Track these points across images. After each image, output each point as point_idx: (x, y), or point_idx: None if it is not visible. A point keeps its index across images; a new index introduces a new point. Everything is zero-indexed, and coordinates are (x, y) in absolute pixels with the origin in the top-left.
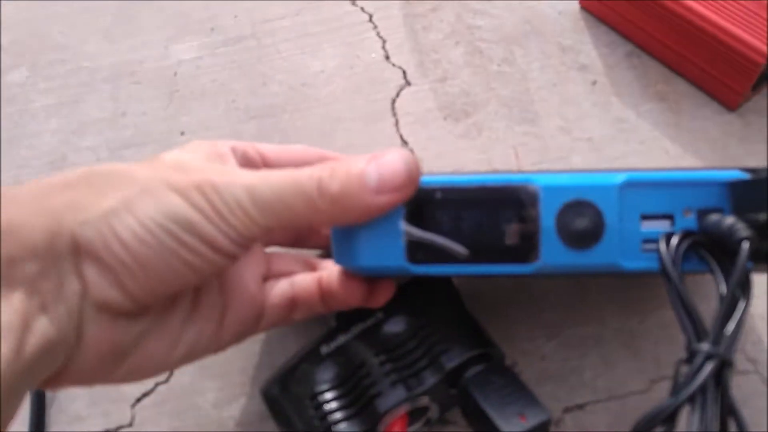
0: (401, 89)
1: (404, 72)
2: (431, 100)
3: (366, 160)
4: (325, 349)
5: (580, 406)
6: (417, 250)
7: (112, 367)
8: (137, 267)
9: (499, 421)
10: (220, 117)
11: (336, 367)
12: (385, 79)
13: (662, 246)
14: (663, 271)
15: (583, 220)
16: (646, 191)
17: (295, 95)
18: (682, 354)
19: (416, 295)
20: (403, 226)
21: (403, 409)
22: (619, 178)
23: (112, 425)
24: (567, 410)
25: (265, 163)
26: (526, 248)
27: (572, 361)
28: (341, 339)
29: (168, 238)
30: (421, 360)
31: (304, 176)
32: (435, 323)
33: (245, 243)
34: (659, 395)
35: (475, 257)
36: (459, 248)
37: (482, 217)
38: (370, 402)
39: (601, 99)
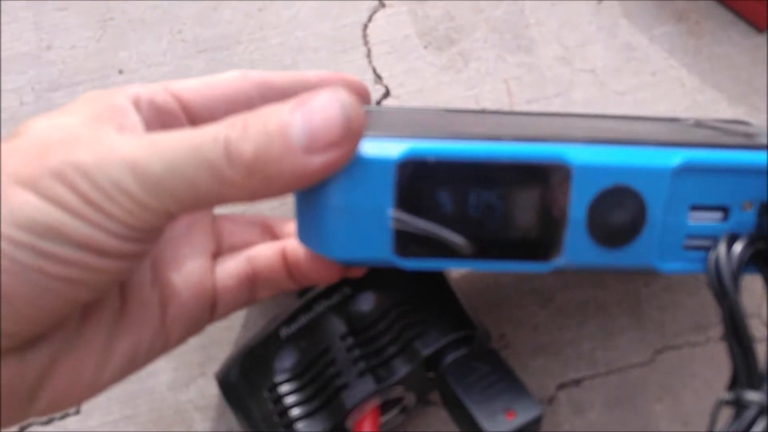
0: (374, 12)
1: None
2: (409, 25)
3: (289, 109)
4: (285, 332)
5: (577, 382)
6: (407, 241)
7: (26, 405)
8: None
9: (481, 418)
10: (164, 51)
11: (297, 354)
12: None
13: (722, 252)
14: (717, 287)
15: (621, 211)
16: (704, 177)
17: (251, 22)
18: (690, 321)
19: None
20: (393, 211)
21: (374, 403)
22: (675, 160)
23: (57, 413)
24: (561, 386)
25: (187, 113)
26: (546, 243)
27: (568, 331)
28: (302, 319)
29: (26, 254)
30: (393, 345)
31: (207, 138)
32: (408, 300)
33: (142, 236)
34: (663, 367)
35: (480, 252)
36: (461, 241)
37: (493, 201)
38: (336, 395)
39: (608, 21)
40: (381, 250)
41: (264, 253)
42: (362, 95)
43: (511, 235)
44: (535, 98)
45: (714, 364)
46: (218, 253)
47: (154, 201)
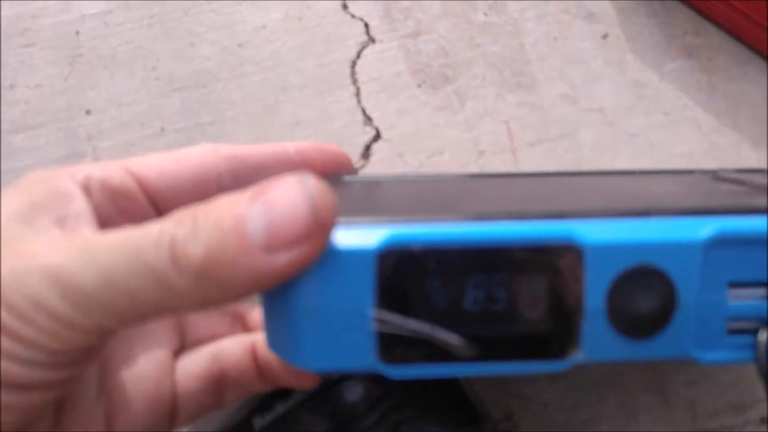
0: (363, 48)
1: (366, 25)
2: (401, 62)
3: (246, 200)
4: (259, 423)
5: None
6: (394, 345)
7: None
8: None
9: None
10: (137, 89)
11: None
12: (342, 34)
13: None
14: None
15: (647, 296)
16: (742, 248)
17: (231, 58)
18: (724, 400)
19: None
20: (374, 311)
21: None
22: (705, 231)
23: None
24: None
25: (148, 194)
26: (561, 338)
27: (584, 410)
28: (280, 409)
29: None
30: None
31: (149, 240)
32: (402, 388)
33: (70, 360)
34: None
35: (482, 353)
36: (459, 342)
37: (494, 292)
38: None
39: (615, 57)
40: (363, 358)
41: (231, 350)
42: (345, 167)
43: (518, 332)
44: (538, 140)
45: None
46: (181, 348)
47: (84, 318)
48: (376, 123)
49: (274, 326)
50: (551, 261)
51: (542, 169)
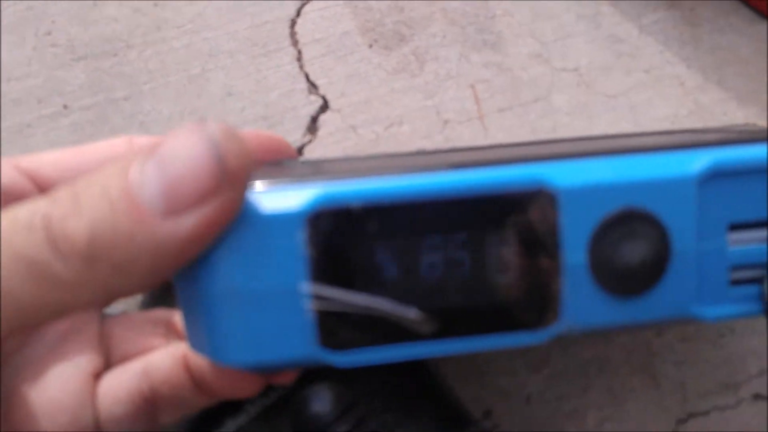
0: (303, 4)
1: None
2: (348, 20)
3: (137, 161)
4: None
5: None
6: (337, 327)
7: None
8: None
9: None
10: (30, 59)
11: None
12: None
13: None
14: None
15: (635, 246)
16: (740, 183)
17: (144, 20)
18: (715, 380)
19: None
20: (309, 286)
21: None
22: (698, 165)
23: None
24: None
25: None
26: (537, 304)
27: (568, 400)
28: (229, 425)
29: None
30: None
31: (18, 224)
32: (378, 394)
33: None
34: None
35: (444, 328)
36: (415, 316)
37: (454, 253)
38: None
39: (589, 9)
40: (300, 345)
41: (160, 363)
42: (286, 154)
43: (485, 300)
44: (508, 105)
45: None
46: (106, 367)
47: None
48: (322, 91)
49: (190, 318)
50: (519, 212)
51: (515, 137)
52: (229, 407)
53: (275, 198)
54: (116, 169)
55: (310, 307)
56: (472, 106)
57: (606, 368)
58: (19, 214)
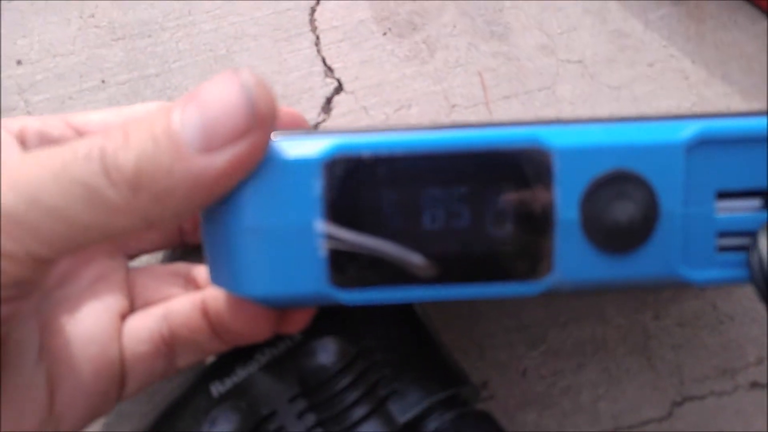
0: None
1: None
2: (365, 8)
3: (179, 104)
4: (217, 389)
5: None
6: (347, 266)
7: None
8: None
9: None
10: (73, 37)
11: (233, 420)
12: None
13: (763, 248)
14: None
15: (625, 205)
16: (729, 152)
17: (177, 5)
18: (712, 365)
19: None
20: (323, 226)
21: None
22: (686, 132)
23: None
24: None
25: None
26: (531, 256)
27: (564, 377)
28: (240, 373)
29: None
30: (360, 407)
31: (78, 155)
32: (379, 349)
33: (5, 298)
34: (684, 424)
35: (444, 274)
36: (419, 261)
37: (455, 205)
38: None
39: (596, 4)
40: (312, 281)
41: (179, 307)
42: (300, 126)
43: (483, 249)
44: (514, 93)
45: (745, 418)
46: (130, 311)
47: (14, 245)
48: (337, 74)
49: (214, 254)
50: (517, 168)
51: None
52: (239, 356)
53: (296, 146)
54: (161, 110)
55: (323, 245)
56: (479, 93)
57: (602, 348)
58: (78, 146)
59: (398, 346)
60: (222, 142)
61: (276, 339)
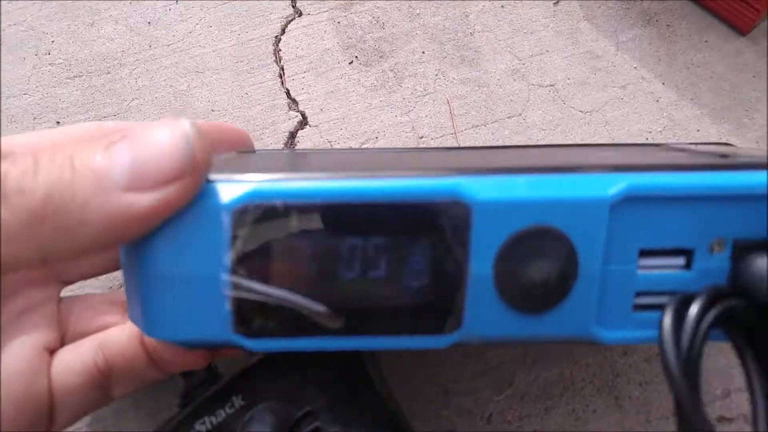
0: (288, 21)
1: None
2: (331, 36)
3: (110, 138)
4: None
5: None
6: (251, 314)
7: None
8: None
9: None
10: (29, 77)
11: None
12: (264, 8)
13: (667, 326)
14: (667, 374)
15: (543, 263)
16: (657, 210)
17: (138, 39)
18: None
19: (289, 363)
20: (228, 275)
21: None
22: (614, 188)
23: None
24: None
25: None
26: (441, 310)
27: (530, 422)
28: None
29: None
30: None
31: None
32: (326, 409)
33: None
34: None
35: (350, 326)
36: (323, 311)
37: (365, 256)
38: None
39: (567, 25)
40: (217, 327)
41: (116, 337)
42: (245, 145)
43: (392, 303)
44: (483, 122)
45: None
46: (63, 343)
47: None
48: (302, 107)
49: (129, 292)
50: (434, 221)
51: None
52: (180, 426)
53: (212, 190)
54: (87, 143)
55: (228, 294)
56: (447, 122)
57: (570, 389)
58: None
59: (344, 403)
60: (152, 184)
61: (216, 404)
